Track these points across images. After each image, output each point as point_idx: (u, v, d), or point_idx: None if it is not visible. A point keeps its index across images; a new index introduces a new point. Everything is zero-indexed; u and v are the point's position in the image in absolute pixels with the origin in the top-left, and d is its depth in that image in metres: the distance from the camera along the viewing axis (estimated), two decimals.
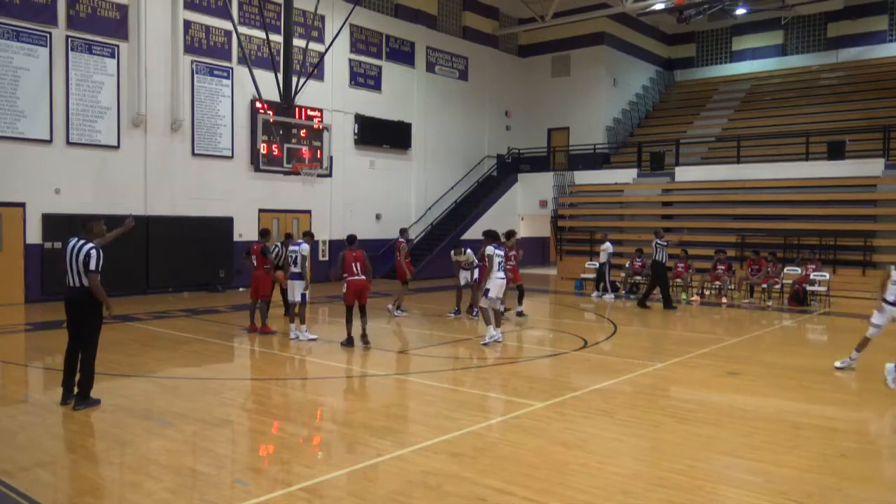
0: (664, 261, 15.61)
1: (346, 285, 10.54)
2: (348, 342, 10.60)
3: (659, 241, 15.58)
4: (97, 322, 7.14)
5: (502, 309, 12.23)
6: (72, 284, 7.00)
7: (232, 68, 18.97)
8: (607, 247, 18.23)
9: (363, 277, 10.57)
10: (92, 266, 6.90)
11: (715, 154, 24.98)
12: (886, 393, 8.19)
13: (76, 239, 7.09)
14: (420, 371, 9.33)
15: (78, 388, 7.05)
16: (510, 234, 13.16)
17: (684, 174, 22.95)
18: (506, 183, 26.38)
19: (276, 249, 12.25)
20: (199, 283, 18.25)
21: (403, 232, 14.96)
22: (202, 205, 18.42)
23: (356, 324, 10.70)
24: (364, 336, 10.74)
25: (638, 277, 18.86)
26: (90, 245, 7.00)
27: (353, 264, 10.53)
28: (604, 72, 28.17)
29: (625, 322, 14.09)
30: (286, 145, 18.15)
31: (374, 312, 14.49)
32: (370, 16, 22.77)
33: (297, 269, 11.32)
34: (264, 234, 12.32)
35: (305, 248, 11.39)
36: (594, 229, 23.01)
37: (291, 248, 11.48)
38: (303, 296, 11.24)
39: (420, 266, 21.39)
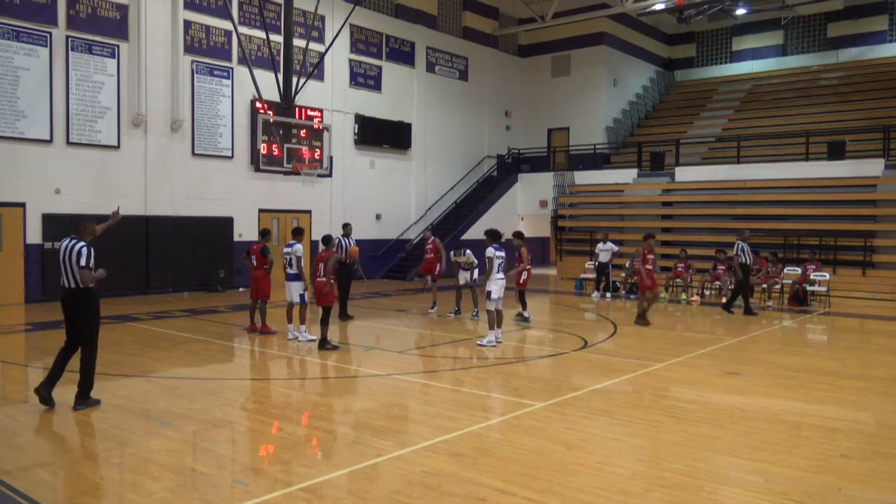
0: (749, 263, 14.67)
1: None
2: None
3: (743, 243, 14.66)
4: (96, 320, 7.17)
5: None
6: (67, 285, 7.02)
7: (232, 68, 18.97)
8: (611, 246, 18.25)
9: (323, 279, 10.54)
10: (83, 262, 6.91)
11: (715, 154, 24.99)
12: (886, 393, 8.20)
13: (68, 239, 7.13)
14: (420, 371, 9.33)
15: (78, 388, 7.07)
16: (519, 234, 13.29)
17: (684, 174, 22.95)
18: (506, 183, 26.38)
19: (337, 241, 13.17)
20: (199, 283, 18.26)
21: (434, 231, 16.31)
22: (202, 205, 18.42)
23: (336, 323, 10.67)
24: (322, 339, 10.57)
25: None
26: (82, 243, 7.03)
27: (318, 266, 10.56)
28: (604, 72, 28.17)
29: (625, 322, 14.09)
30: (286, 145, 18.15)
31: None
32: (370, 16, 22.77)
33: (293, 271, 11.32)
34: (264, 234, 12.31)
35: (299, 248, 11.38)
36: (594, 229, 23.02)
37: (285, 249, 11.47)
38: (301, 297, 11.24)
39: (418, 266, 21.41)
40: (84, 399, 7.07)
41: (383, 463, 5.55)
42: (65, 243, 7.09)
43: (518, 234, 13.22)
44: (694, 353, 10.32)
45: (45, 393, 7.02)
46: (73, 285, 6.98)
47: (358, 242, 15.48)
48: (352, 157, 22.25)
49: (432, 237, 15.25)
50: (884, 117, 22.65)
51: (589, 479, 5.21)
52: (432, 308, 14.77)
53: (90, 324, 7.09)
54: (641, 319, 13.12)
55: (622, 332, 12.52)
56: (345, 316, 13.45)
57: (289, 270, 11.36)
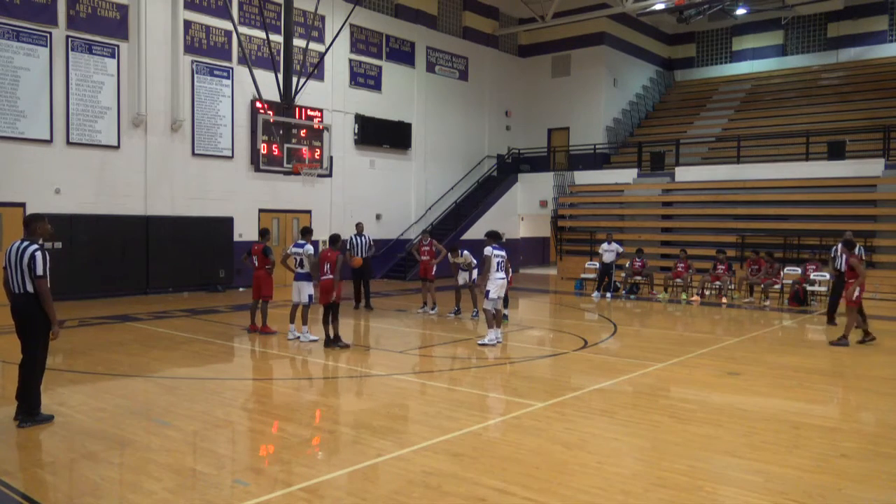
0: (841, 268, 12.58)
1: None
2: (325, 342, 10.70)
3: (843, 246, 12.51)
4: (44, 329, 6.41)
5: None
6: (16, 291, 6.36)
7: (232, 68, 18.97)
8: (615, 247, 18.27)
9: (330, 277, 10.55)
10: (38, 270, 6.26)
11: (715, 154, 25.00)
12: (886, 393, 8.20)
13: (19, 241, 6.46)
14: (420, 371, 9.33)
15: (23, 404, 6.43)
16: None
17: (684, 174, 22.96)
18: (506, 183, 26.37)
19: (350, 240, 14.87)
20: (199, 283, 18.25)
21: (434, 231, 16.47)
22: (202, 205, 18.42)
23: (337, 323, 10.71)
24: (335, 337, 10.61)
25: (638, 277, 18.87)
26: (34, 247, 6.34)
27: (325, 264, 10.59)
28: (604, 72, 28.17)
29: (625, 322, 14.09)
30: (286, 145, 18.14)
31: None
32: (370, 16, 22.77)
33: (302, 270, 11.30)
34: (264, 234, 12.30)
35: (310, 248, 11.37)
36: (594, 229, 23.03)
37: (294, 249, 11.45)
38: (310, 297, 11.22)
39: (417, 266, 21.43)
40: (31, 416, 6.40)
41: (383, 463, 5.54)
42: (15, 245, 6.41)
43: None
44: (694, 353, 10.32)
45: (30, 421, 6.43)
46: (21, 291, 6.33)
47: (359, 242, 15.58)
48: (352, 157, 22.25)
49: (430, 238, 15.31)
50: (884, 117, 22.66)
51: (589, 479, 5.21)
52: (421, 308, 14.85)
53: (41, 330, 6.40)
54: (845, 339, 11.04)
55: (622, 332, 12.52)
56: (369, 306, 15.10)
57: (298, 270, 11.33)
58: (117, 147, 16.82)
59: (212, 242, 18.53)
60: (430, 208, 24.89)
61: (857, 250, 12.36)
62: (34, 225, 6.58)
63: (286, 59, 17.53)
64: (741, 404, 7.47)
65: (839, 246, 12.81)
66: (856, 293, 10.97)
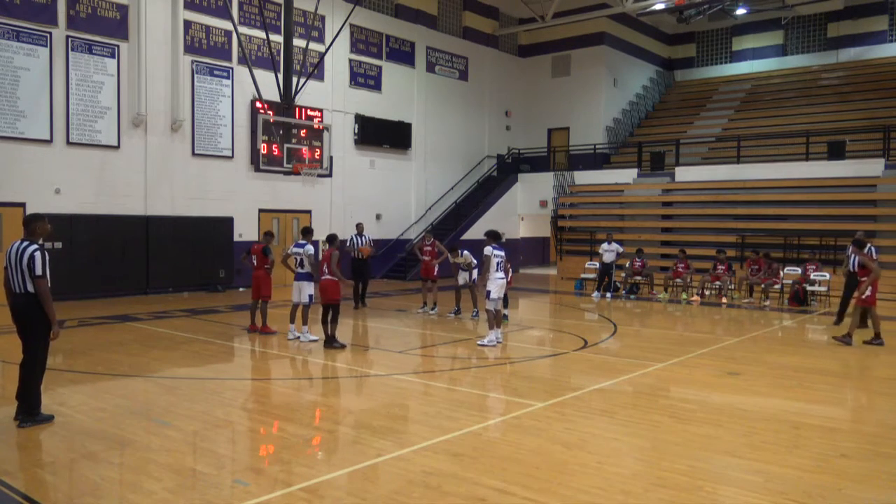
0: (853, 270, 12.29)
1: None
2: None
3: (853, 247, 12.25)
4: (44, 329, 6.41)
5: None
6: (16, 291, 6.36)
7: (232, 68, 18.97)
8: (616, 247, 18.28)
9: (330, 277, 10.56)
10: (38, 270, 6.25)
11: (715, 154, 25.00)
12: (886, 393, 8.20)
13: (19, 241, 6.46)
14: (420, 371, 9.33)
15: (22, 403, 6.44)
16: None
17: (684, 174, 22.96)
18: (506, 183, 26.38)
19: (350, 239, 15.82)
20: (199, 283, 18.25)
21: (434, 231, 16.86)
22: (202, 205, 18.42)
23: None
24: (331, 337, 10.64)
25: (638, 277, 18.87)
26: (34, 247, 6.34)
27: (324, 264, 10.59)
28: (604, 72, 28.17)
29: (625, 322, 14.09)
30: (286, 145, 18.14)
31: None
32: (370, 16, 22.77)
33: (303, 270, 11.29)
34: (268, 235, 12.29)
35: (310, 248, 11.37)
36: (594, 229, 23.03)
37: (294, 249, 11.45)
38: (310, 297, 11.21)
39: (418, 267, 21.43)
40: (31, 416, 6.40)
41: (383, 463, 5.54)
42: (15, 245, 6.43)
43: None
44: (694, 353, 10.32)
45: (31, 421, 6.42)
46: (22, 291, 6.33)
47: (359, 241, 15.64)
48: (352, 157, 22.25)
49: (432, 238, 15.36)
50: (884, 117, 22.66)
51: (589, 479, 5.21)
52: (421, 308, 14.85)
53: (41, 330, 6.39)
54: (849, 338, 11.06)
55: (622, 332, 12.52)
56: (363, 303, 15.40)
57: (299, 270, 11.33)
58: (117, 147, 16.82)
59: (212, 242, 18.53)
60: (430, 208, 24.89)
61: (867, 249, 12.38)
62: (34, 225, 6.57)
63: (286, 59, 17.53)
64: (741, 404, 7.47)
65: (850, 246, 12.65)
66: (867, 291, 10.99)
